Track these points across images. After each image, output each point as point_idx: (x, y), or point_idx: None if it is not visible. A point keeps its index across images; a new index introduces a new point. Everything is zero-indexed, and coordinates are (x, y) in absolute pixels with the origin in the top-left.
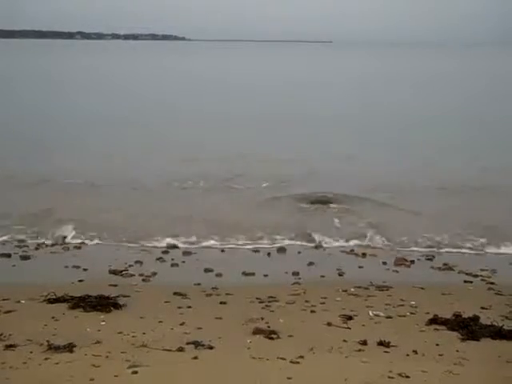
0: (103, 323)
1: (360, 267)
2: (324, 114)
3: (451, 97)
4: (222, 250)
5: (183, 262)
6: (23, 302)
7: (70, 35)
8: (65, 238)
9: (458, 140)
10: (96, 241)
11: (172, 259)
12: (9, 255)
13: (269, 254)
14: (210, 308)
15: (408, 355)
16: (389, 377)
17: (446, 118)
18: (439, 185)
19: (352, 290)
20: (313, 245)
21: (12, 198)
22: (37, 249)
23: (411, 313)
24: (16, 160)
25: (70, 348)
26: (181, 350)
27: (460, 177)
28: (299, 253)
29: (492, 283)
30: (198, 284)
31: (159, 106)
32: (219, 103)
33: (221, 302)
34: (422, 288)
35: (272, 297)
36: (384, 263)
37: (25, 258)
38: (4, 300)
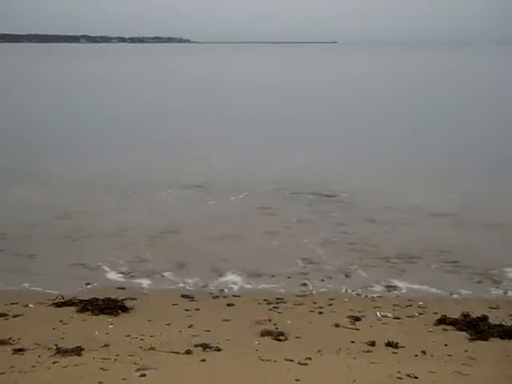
0: (111, 326)
1: (367, 267)
2: (325, 116)
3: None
4: (229, 252)
5: (190, 263)
6: (31, 305)
7: (75, 39)
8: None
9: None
10: (104, 244)
11: (179, 261)
12: (17, 258)
13: (276, 254)
14: (218, 310)
15: (416, 356)
16: (397, 377)
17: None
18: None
19: (359, 290)
20: (319, 245)
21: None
22: (44, 251)
23: (419, 313)
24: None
25: (78, 351)
26: (189, 352)
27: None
28: (306, 253)
29: (500, 282)
30: (206, 286)
31: (162, 109)
32: (221, 106)
33: (228, 304)
34: (430, 288)
35: (279, 298)
36: (392, 263)
37: (33, 261)
38: (12, 304)
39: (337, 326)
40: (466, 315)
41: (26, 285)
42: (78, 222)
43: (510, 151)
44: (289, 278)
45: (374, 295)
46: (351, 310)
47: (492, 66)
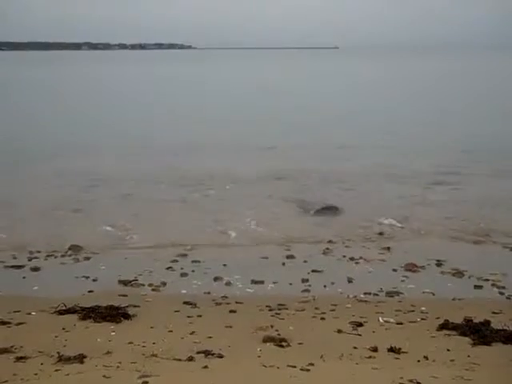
0: (113, 334)
1: (369, 273)
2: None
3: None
4: (231, 259)
5: (192, 270)
6: (34, 313)
7: (77, 46)
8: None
9: None
10: (106, 251)
11: (181, 268)
12: (19, 267)
13: (277, 261)
14: (220, 317)
15: (419, 361)
16: (400, 383)
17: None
18: None
19: (362, 296)
20: (320, 251)
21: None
22: (46, 260)
23: (422, 318)
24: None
25: (80, 359)
26: (191, 359)
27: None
28: (308, 259)
29: (503, 287)
30: (208, 293)
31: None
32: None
33: (230, 311)
34: (433, 293)
35: (281, 304)
36: (394, 269)
37: (35, 269)
38: (15, 312)
39: (339, 331)
40: (468, 320)
41: (29, 293)
42: (79, 227)
43: None
44: (291, 284)
45: (377, 301)
46: (353, 315)
47: (492, 69)
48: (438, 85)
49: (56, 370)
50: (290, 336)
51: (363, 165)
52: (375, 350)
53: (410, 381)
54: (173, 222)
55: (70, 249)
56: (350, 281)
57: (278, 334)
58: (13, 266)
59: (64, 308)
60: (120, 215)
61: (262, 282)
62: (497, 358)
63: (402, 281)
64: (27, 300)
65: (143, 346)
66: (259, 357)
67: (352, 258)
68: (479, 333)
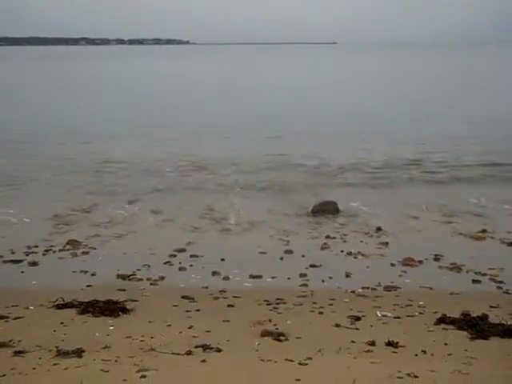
0: (112, 328)
1: (367, 267)
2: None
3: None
4: (229, 253)
5: (191, 265)
6: (32, 308)
7: (74, 41)
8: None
9: None
10: (104, 246)
11: (179, 263)
12: (17, 261)
13: (275, 255)
14: (218, 311)
15: (416, 355)
16: (397, 377)
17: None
18: None
19: (360, 290)
20: (319, 246)
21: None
22: (44, 254)
23: (419, 313)
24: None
25: (78, 353)
26: (189, 353)
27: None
28: (306, 254)
29: (500, 282)
30: (206, 287)
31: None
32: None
33: (228, 305)
34: (430, 288)
35: (280, 299)
36: (392, 264)
37: (33, 263)
38: (13, 306)
39: (337, 325)
40: (465, 314)
41: (27, 287)
42: (77, 222)
43: None
44: (289, 278)
45: (374, 295)
46: (351, 309)
47: (487, 65)
48: (435, 84)
49: (54, 365)
50: (287, 330)
51: (361, 160)
52: (373, 344)
53: (408, 374)
54: (171, 216)
55: (68, 243)
56: (347, 275)
57: (276, 329)
58: (11, 261)
59: (62, 302)
60: (118, 210)
61: (260, 277)
62: (494, 353)
63: (400, 275)
64: (25, 294)
65: (141, 341)
66: (257, 351)
67: (350, 253)
68: (477, 327)
